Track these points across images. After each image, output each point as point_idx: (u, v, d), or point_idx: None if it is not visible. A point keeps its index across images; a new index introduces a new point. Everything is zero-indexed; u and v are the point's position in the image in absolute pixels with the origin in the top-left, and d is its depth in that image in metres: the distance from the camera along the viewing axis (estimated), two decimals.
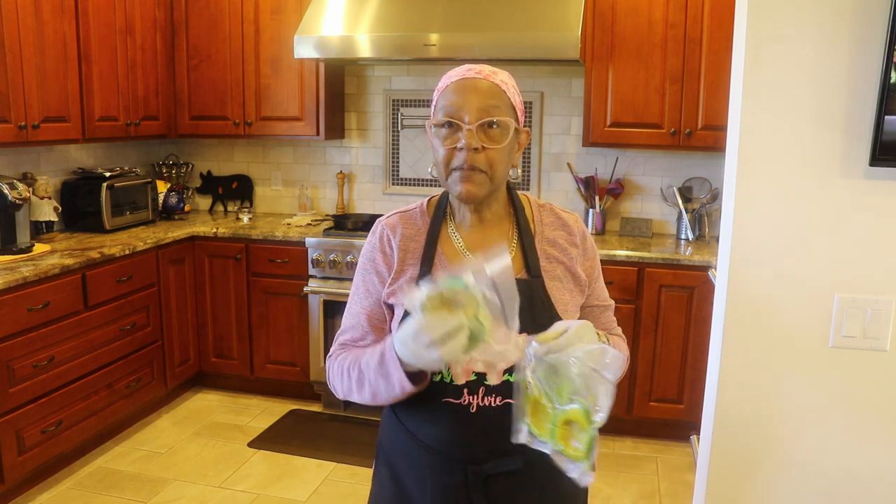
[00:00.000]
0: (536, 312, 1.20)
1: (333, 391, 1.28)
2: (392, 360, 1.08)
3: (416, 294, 0.98)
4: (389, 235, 1.29)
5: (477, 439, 1.20)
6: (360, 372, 1.18)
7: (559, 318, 1.20)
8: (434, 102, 1.23)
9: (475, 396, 1.19)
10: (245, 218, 4.00)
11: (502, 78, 1.21)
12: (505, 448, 1.19)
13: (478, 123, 1.16)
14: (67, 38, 3.21)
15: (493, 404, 1.18)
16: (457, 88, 1.19)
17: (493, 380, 1.16)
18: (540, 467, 1.22)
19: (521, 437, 1.03)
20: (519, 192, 1.35)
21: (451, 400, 1.19)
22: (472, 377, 1.16)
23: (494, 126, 1.17)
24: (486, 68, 1.21)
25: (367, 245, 1.31)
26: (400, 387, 1.10)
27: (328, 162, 4.23)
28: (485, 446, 1.20)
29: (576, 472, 1.00)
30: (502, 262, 1.00)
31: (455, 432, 1.20)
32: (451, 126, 1.18)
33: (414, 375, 1.09)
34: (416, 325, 0.98)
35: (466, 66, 1.22)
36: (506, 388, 1.18)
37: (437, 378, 1.19)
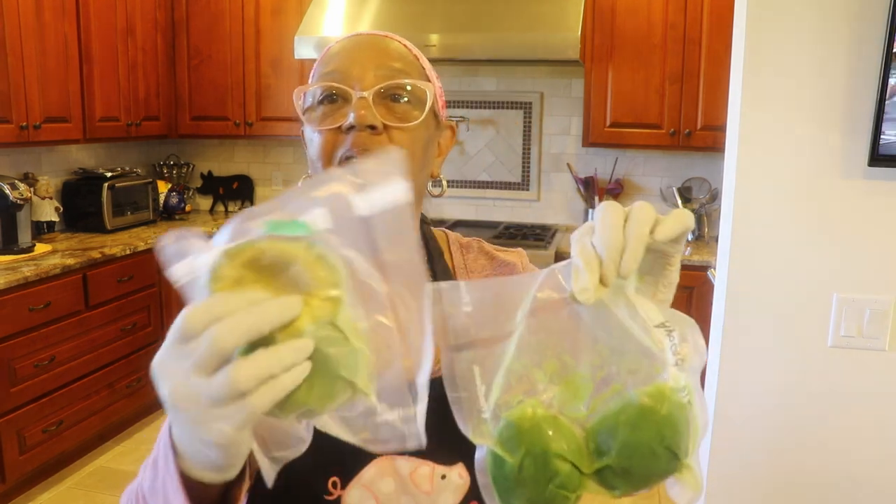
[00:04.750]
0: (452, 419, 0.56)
1: None
2: (166, 455, 0.54)
3: (203, 253, 0.45)
4: None
5: None
6: None
7: None
8: (310, 77, 0.80)
9: None
10: None
11: (413, 45, 0.83)
12: None
13: (375, 89, 0.73)
14: (68, 38, 3.21)
15: None
16: (343, 49, 0.78)
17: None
18: None
19: None
20: (434, 229, 0.91)
21: None
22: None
23: (402, 98, 0.75)
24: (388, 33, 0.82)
25: None
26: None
27: None
28: None
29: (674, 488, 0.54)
30: (394, 191, 0.47)
31: None
32: (334, 101, 0.75)
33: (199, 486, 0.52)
34: (179, 324, 0.44)
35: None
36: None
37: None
